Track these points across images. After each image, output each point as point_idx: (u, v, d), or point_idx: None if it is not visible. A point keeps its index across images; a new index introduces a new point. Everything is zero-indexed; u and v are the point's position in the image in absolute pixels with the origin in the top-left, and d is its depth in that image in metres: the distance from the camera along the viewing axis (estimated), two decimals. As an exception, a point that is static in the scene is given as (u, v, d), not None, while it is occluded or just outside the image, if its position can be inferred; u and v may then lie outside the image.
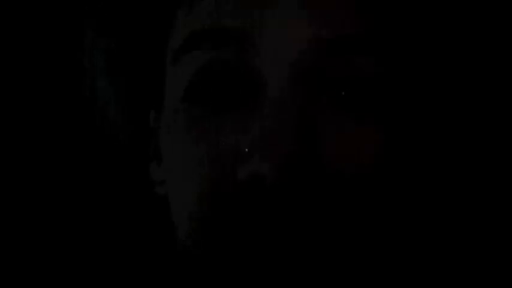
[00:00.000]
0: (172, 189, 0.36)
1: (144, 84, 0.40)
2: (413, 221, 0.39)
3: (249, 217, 0.31)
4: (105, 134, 0.43)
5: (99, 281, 0.46)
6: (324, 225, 0.31)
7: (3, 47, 0.47)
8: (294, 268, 0.31)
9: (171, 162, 0.36)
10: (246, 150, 0.31)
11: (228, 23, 0.32)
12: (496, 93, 0.41)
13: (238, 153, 0.31)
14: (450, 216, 0.42)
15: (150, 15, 0.37)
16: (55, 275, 0.47)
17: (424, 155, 0.39)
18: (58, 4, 0.46)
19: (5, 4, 0.47)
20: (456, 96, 0.39)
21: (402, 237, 0.37)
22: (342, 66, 0.32)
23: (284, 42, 0.31)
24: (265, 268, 0.31)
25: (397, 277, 0.38)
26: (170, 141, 0.36)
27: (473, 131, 0.41)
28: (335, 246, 0.31)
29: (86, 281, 0.46)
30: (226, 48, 0.32)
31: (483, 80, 0.40)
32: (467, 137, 0.41)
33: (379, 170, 0.32)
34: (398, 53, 0.33)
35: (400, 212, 0.35)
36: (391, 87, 0.33)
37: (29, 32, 0.47)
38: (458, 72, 0.38)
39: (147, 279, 0.45)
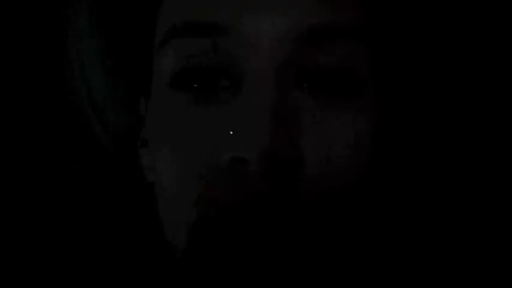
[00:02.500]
0: (156, 173, 0.37)
1: (133, 71, 0.41)
2: (403, 215, 0.39)
3: (231, 203, 0.31)
4: (95, 124, 0.43)
5: (89, 274, 0.45)
6: (303, 212, 0.31)
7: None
8: (276, 257, 0.31)
9: (155, 148, 0.36)
10: (229, 137, 0.31)
11: (208, 15, 0.33)
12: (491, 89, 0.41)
13: (221, 141, 0.32)
14: (445, 216, 0.41)
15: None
16: (43, 264, 0.46)
17: (405, 145, 0.39)
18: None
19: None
20: (447, 90, 0.39)
21: (393, 231, 0.37)
22: (323, 53, 0.32)
23: (262, 33, 0.32)
24: (246, 255, 0.31)
25: (394, 278, 0.38)
26: (155, 126, 0.36)
27: (468, 131, 0.41)
28: (318, 237, 0.31)
29: (74, 273, 0.46)
30: (206, 39, 0.33)
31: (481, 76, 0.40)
32: (460, 136, 0.41)
33: (362, 159, 0.33)
34: (380, 39, 0.34)
35: (388, 206, 0.35)
36: (375, 74, 0.33)
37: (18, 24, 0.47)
38: (449, 65, 0.38)
39: (139, 272, 0.45)
